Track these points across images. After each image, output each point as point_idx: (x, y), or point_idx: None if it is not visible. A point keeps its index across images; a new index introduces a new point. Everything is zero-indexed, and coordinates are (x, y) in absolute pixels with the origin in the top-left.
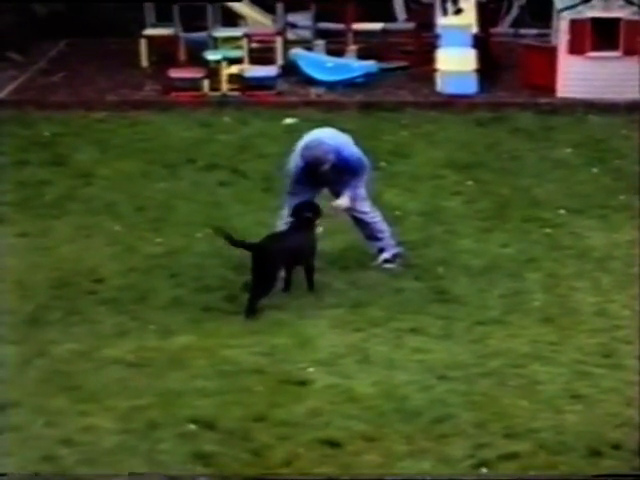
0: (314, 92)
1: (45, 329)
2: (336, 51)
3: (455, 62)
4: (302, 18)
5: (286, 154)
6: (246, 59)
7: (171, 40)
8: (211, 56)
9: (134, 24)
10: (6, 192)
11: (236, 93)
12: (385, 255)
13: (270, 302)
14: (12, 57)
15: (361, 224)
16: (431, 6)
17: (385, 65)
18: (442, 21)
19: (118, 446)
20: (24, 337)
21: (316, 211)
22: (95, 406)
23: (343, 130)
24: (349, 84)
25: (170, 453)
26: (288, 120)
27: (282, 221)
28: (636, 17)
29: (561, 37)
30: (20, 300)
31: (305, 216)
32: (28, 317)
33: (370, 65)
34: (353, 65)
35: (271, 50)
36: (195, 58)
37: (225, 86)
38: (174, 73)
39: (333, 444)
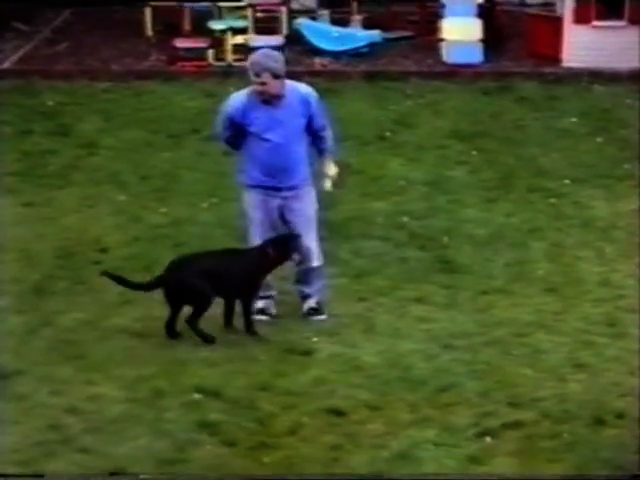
0: (319, 62)
1: (50, 298)
2: (341, 21)
3: (460, 32)
4: None
5: None
6: (251, 29)
7: (176, 10)
8: (216, 26)
9: None
10: (11, 162)
11: (241, 63)
12: (311, 303)
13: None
14: (17, 27)
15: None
16: None
17: (390, 35)
18: None
19: (123, 415)
20: (30, 306)
21: (280, 250)
22: (100, 375)
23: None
24: (354, 54)
25: (175, 422)
26: None
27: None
28: None
29: (566, 6)
30: (25, 270)
31: (264, 250)
32: (33, 287)
33: (375, 35)
34: (358, 35)
35: (276, 20)
36: (200, 28)
37: (230, 56)
38: (179, 43)
39: (338, 413)
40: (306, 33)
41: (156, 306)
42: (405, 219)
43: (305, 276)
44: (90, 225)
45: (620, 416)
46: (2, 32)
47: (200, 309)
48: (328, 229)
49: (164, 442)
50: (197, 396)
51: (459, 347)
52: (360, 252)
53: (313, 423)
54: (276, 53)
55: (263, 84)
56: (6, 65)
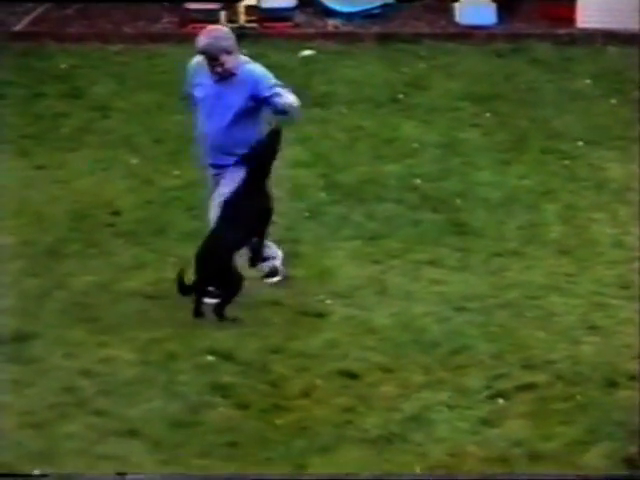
0: (331, 24)
1: (64, 261)
2: None
3: None
4: None
5: (302, 86)
6: None
7: None
8: None
9: None
10: (23, 125)
11: (253, 25)
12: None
13: (286, 235)
14: None
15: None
16: None
17: None
18: None
19: (137, 377)
20: (43, 269)
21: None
22: (114, 338)
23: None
24: (367, 16)
25: (188, 384)
26: (305, 52)
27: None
28: None
29: None
30: (39, 232)
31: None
32: (46, 249)
33: None
34: None
35: None
36: None
37: (242, 18)
38: (191, 5)
39: (350, 375)
40: None
41: (169, 269)
42: (418, 181)
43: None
44: (103, 188)
45: (633, 378)
46: None
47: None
48: (341, 191)
49: (177, 404)
50: (210, 358)
51: (472, 309)
52: (373, 215)
53: (326, 385)
54: (224, 29)
55: (222, 64)
56: (18, 28)
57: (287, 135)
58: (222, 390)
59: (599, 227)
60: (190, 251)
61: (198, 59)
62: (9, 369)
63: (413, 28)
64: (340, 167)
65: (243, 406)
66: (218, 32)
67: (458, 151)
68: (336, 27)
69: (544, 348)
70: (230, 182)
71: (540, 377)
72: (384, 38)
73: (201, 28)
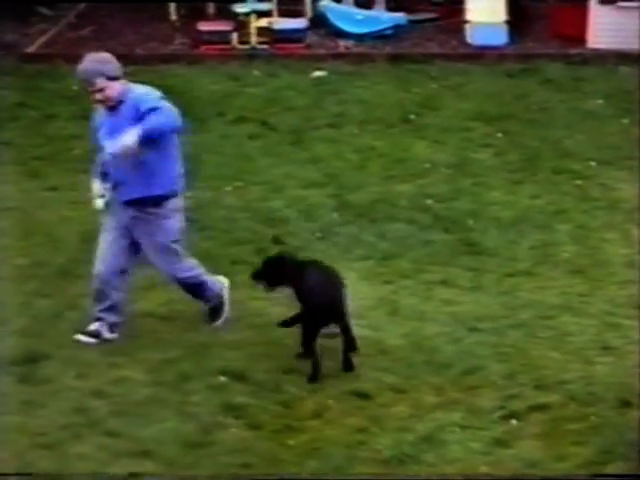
0: (343, 44)
1: (76, 282)
2: (365, 3)
3: (485, 13)
4: None
5: (314, 107)
6: (275, 12)
7: None
8: (240, 9)
9: None
10: (35, 146)
11: (265, 46)
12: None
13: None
14: (42, 11)
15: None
16: None
17: (414, 17)
18: None
19: (149, 398)
20: (55, 290)
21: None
22: (126, 358)
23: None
24: (378, 36)
25: (201, 404)
26: (317, 73)
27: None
28: None
29: None
30: (51, 253)
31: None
32: (59, 270)
33: (399, 17)
34: (382, 17)
35: (300, 2)
36: (224, 11)
37: (254, 39)
38: (203, 26)
39: (363, 396)
40: (330, 16)
41: (180, 290)
42: (430, 202)
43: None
44: None
45: None
46: (27, 17)
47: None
48: (353, 212)
49: (190, 425)
50: (222, 379)
51: (484, 330)
52: (385, 235)
53: (338, 406)
54: (106, 55)
55: (101, 90)
56: (31, 49)
57: (299, 156)
58: (234, 411)
59: (611, 247)
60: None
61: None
62: (21, 390)
63: (424, 48)
64: (352, 187)
65: (255, 427)
66: (95, 57)
67: (470, 171)
68: (348, 48)
69: (557, 368)
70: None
71: (553, 397)
72: (395, 58)
73: (213, 49)
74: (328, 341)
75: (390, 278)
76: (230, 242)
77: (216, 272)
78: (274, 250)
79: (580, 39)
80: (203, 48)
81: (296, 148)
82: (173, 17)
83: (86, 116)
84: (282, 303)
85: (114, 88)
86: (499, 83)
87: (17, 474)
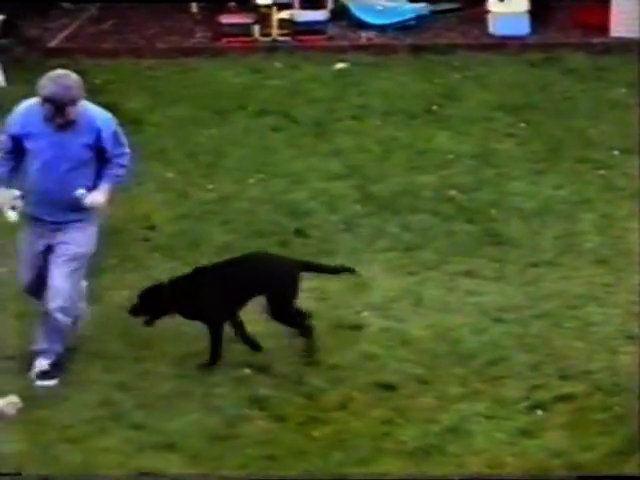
0: (365, 36)
1: (100, 276)
2: None
3: (507, 3)
4: None
5: (336, 99)
6: (296, 3)
7: None
8: (261, 1)
9: None
10: None
11: (286, 38)
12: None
13: (322, 248)
14: (63, 5)
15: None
16: None
17: (436, 7)
18: None
19: (174, 391)
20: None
21: None
22: (150, 352)
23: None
24: (400, 27)
25: (225, 397)
26: (339, 65)
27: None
28: None
29: None
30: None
31: None
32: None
33: (421, 7)
34: (404, 8)
35: None
36: (245, 3)
37: (275, 31)
38: (224, 19)
39: (387, 387)
40: (351, 7)
41: None
42: (453, 192)
43: (45, 326)
44: (138, 202)
45: None
46: (48, 11)
47: None
48: (376, 203)
49: (214, 418)
50: (246, 371)
51: (509, 320)
52: (408, 226)
53: (363, 397)
54: (73, 76)
55: (65, 116)
56: (53, 44)
57: (322, 148)
58: (259, 403)
59: (635, 236)
60: None
61: (29, 104)
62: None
63: (447, 39)
64: (375, 179)
65: (280, 419)
66: (68, 80)
67: (493, 161)
68: (369, 39)
69: (582, 358)
70: (79, 238)
71: (578, 387)
72: (418, 49)
73: (235, 42)
74: (345, 333)
75: (414, 269)
76: (253, 234)
77: None
78: (297, 242)
79: (603, 28)
80: (224, 41)
81: (319, 140)
82: (194, 10)
83: (109, 109)
84: (308, 297)
85: (75, 111)
86: (522, 73)
87: (7, 474)
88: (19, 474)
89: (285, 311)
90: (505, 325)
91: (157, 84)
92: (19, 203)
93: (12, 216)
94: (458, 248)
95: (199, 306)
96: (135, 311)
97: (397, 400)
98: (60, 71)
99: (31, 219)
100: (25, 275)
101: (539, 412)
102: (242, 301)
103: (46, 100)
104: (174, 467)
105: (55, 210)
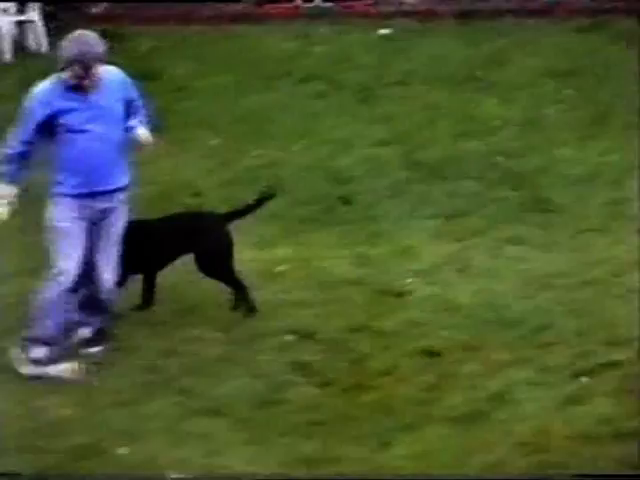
0: (410, 2)
1: None
2: None
3: None
4: None
5: (382, 65)
6: None
7: None
8: None
9: None
10: None
11: (331, 4)
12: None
13: (368, 214)
14: None
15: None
16: None
17: None
18: None
19: (220, 356)
20: None
21: None
22: (196, 317)
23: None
24: None
25: (271, 363)
26: (383, 30)
27: None
28: None
29: None
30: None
31: None
32: None
33: None
34: None
35: None
36: None
37: None
38: None
39: (433, 354)
40: None
41: (248, 249)
42: (499, 159)
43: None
44: (183, 169)
45: None
46: None
47: None
48: (422, 170)
49: (261, 383)
50: (292, 337)
51: (556, 287)
52: (454, 192)
53: (409, 364)
54: (94, 34)
55: (94, 75)
56: (97, 10)
57: (367, 114)
58: (305, 369)
59: None
60: (270, 231)
61: (45, 85)
62: (92, 350)
63: (493, 4)
64: (420, 145)
65: (326, 385)
66: (91, 39)
67: (539, 127)
68: (414, 5)
69: (629, 325)
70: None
71: (625, 354)
72: (463, 15)
73: (279, 8)
74: (390, 299)
75: (460, 236)
76: (298, 201)
77: (283, 231)
78: (342, 209)
79: None
80: (269, 7)
81: (364, 106)
82: None
83: (154, 76)
84: (353, 263)
85: (100, 72)
86: (569, 38)
87: (7, 474)
88: (19, 474)
89: (214, 267)
90: (552, 292)
91: (202, 51)
92: (15, 201)
93: (3, 213)
94: (505, 215)
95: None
96: None
97: (443, 366)
98: (80, 31)
99: (73, 200)
100: (69, 259)
101: (586, 379)
102: (170, 258)
103: (74, 62)
104: (221, 432)
105: (102, 178)
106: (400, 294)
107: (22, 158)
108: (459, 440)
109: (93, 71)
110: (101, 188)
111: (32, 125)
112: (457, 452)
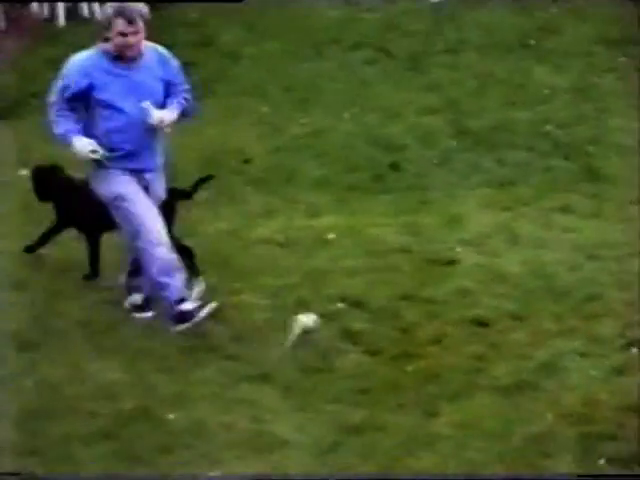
0: None
1: (194, 209)
2: None
3: None
4: None
5: (432, 33)
6: None
7: None
8: None
9: None
10: None
11: None
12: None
13: (416, 182)
14: None
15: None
16: None
17: None
18: None
19: (268, 323)
20: (175, 217)
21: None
22: (245, 284)
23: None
24: None
25: (319, 330)
26: None
27: None
28: None
29: None
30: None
31: None
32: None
33: None
34: None
35: None
36: None
37: None
38: None
39: (481, 323)
40: None
41: (298, 216)
42: (550, 128)
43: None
44: (233, 136)
45: None
46: None
47: None
48: (471, 138)
49: (308, 350)
50: (340, 305)
51: (605, 257)
52: (504, 161)
53: (456, 333)
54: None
55: (137, 33)
56: None
57: (417, 82)
58: (353, 337)
59: None
60: (319, 198)
61: (84, 55)
62: (142, 315)
63: None
64: (470, 113)
65: (374, 353)
66: (132, 1)
67: (591, 96)
68: None
69: None
70: (160, 186)
71: None
72: None
73: None
74: (439, 268)
75: (509, 205)
76: (347, 169)
77: (333, 199)
78: (391, 177)
79: None
80: None
81: (414, 74)
82: None
83: (205, 43)
84: (402, 231)
85: (142, 35)
86: (622, 7)
87: (7, 474)
88: (18, 474)
89: None
90: (601, 262)
91: (253, 18)
92: (98, 148)
93: (99, 152)
94: (554, 184)
95: (79, 216)
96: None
97: (491, 336)
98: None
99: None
100: (146, 214)
101: (634, 350)
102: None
103: (117, 15)
104: (268, 398)
105: (139, 155)
106: (449, 263)
107: (75, 118)
108: (505, 410)
109: (136, 28)
110: (133, 166)
111: (68, 96)
112: (503, 422)
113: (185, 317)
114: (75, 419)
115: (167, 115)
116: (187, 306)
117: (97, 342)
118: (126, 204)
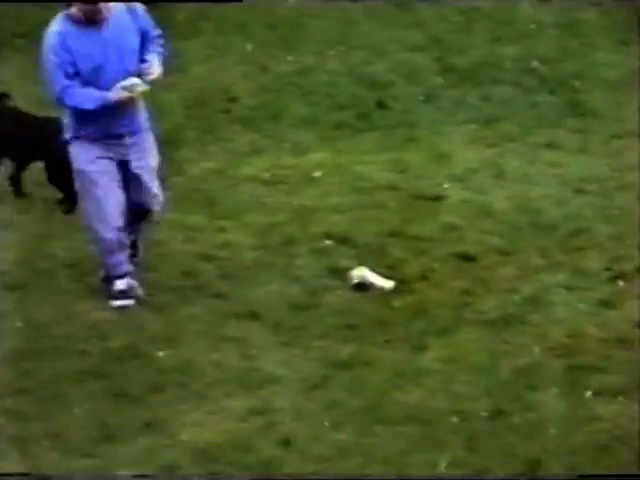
0: None
1: (181, 148)
2: None
3: None
4: None
5: None
6: None
7: None
8: None
9: None
10: None
11: None
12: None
13: (403, 119)
14: None
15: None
16: None
17: None
18: None
19: (255, 261)
20: (160, 156)
21: None
22: (232, 223)
23: None
24: None
25: (306, 268)
26: None
27: None
28: None
29: None
30: (155, 120)
31: None
32: (164, 136)
33: None
34: None
35: None
36: None
37: None
38: None
39: (468, 258)
40: None
41: (284, 155)
42: (535, 63)
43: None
44: (218, 75)
45: None
46: None
47: None
48: (457, 75)
49: (296, 287)
50: (327, 242)
51: (591, 191)
52: (490, 97)
53: (443, 268)
54: None
55: (103, 8)
56: None
57: (402, 19)
58: (340, 273)
59: None
60: (305, 136)
61: (55, 27)
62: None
63: None
64: (456, 50)
65: (361, 289)
66: None
67: (576, 31)
68: None
69: None
70: (152, 149)
71: None
72: None
73: None
74: (425, 204)
75: (495, 141)
76: (333, 107)
77: (319, 137)
78: (377, 114)
79: None
80: None
81: (399, 11)
82: None
83: None
84: (388, 169)
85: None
86: None
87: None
88: (28, 474)
89: (59, 177)
90: (587, 196)
91: None
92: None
93: (144, 82)
94: (540, 120)
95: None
96: None
97: (477, 271)
98: None
99: (95, 141)
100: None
101: (620, 283)
102: (25, 159)
103: None
104: (256, 335)
105: (126, 118)
106: (435, 199)
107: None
108: (492, 343)
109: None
110: (120, 130)
111: (67, 71)
112: (490, 355)
113: (123, 294)
114: (65, 358)
115: (155, 67)
116: (120, 285)
117: (85, 282)
118: (87, 185)
